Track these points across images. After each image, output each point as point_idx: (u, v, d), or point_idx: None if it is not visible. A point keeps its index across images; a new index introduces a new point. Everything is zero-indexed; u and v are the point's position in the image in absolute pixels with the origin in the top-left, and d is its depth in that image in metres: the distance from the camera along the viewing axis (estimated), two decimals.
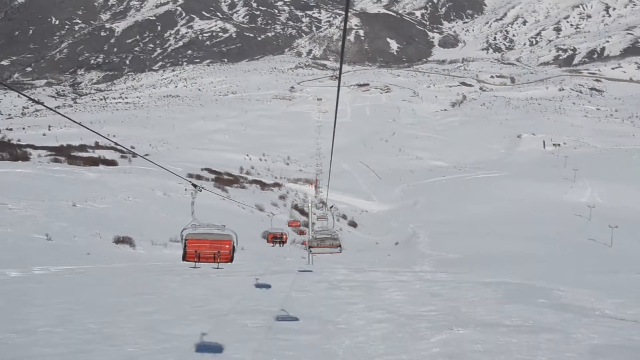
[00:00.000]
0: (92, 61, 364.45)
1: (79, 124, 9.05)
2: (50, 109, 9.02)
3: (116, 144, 12.99)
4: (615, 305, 17.19)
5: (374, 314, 14.18)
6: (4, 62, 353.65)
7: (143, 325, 12.21)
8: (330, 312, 14.37)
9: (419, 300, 16.30)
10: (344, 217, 76.93)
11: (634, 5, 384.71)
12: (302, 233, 50.61)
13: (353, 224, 75.29)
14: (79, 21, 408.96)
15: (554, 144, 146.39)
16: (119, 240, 34.65)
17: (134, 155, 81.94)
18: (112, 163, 74.71)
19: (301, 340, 11.54)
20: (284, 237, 28.33)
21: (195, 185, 10.14)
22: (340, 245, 19.29)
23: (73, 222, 36.22)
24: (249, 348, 10.71)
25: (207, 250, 10.12)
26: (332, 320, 13.46)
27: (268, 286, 17.63)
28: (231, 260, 10.30)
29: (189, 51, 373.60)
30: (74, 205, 41.99)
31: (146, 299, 15.50)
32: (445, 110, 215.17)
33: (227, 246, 10.24)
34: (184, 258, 10.16)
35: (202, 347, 10.81)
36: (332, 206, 28.58)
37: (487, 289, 18.35)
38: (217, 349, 10.80)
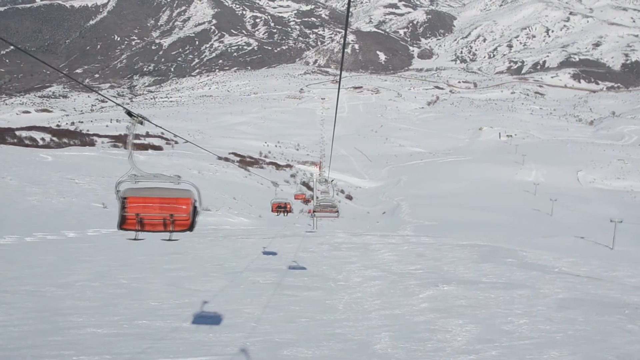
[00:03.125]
0: (145, 69, 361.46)
1: (144, 118, 7.91)
2: (122, 106, 7.09)
3: (166, 130, 11.65)
4: (569, 263, 16.05)
5: (369, 272, 12.91)
6: (79, 70, 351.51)
7: (168, 281, 10.94)
8: (331, 270, 13.10)
9: (407, 259, 15.03)
10: (342, 191, 75.50)
11: (567, 29, 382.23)
12: (307, 202, 49.15)
13: (349, 197, 73.87)
14: (135, 38, 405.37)
15: (507, 135, 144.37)
16: None
17: (176, 142, 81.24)
18: (158, 148, 73.41)
19: (306, 296, 10.26)
20: (288, 206, 23.14)
21: (131, 114, 5.27)
22: (337, 211, 18.11)
23: None
24: (259, 303, 9.42)
25: (155, 213, 5.90)
26: (333, 277, 12.19)
27: (274, 253, 15.67)
28: (191, 227, 5.95)
29: (220, 61, 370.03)
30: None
31: (174, 258, 14.24)
32: (422, 108, 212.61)
33: (185, 207, 5.90)
34: (121, 225, 5.97)
35: (199, 319, 8.09)
36: (332, 180, 26.58)
37: (463, 250, 17.06)
38: (215, 319, 8.07)
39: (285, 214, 21.50)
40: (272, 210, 21.79)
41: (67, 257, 13.83)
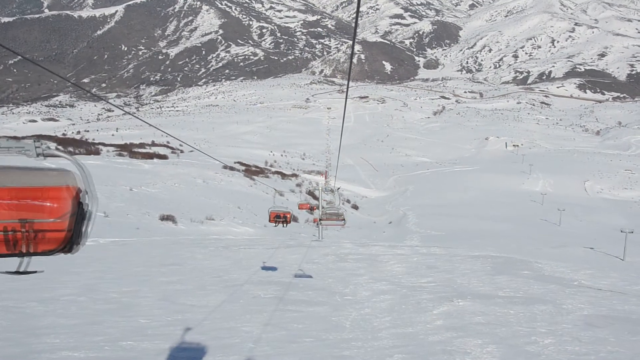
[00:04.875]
0: (152, 78, 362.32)
1: (151, 125, 8.10)
2: (132, 115, 6.31)
3: (175, 138, 10.82)
4: (587, 276, 15.12)
5: (378, 285, 12.05)
6: (86, 80, 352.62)
7: (161, 296, 10.09)
8: (337, 283, 12.25)
9: (417, 272, 14.17)
10: (348, 201, 74.51)
11: (573, 39, 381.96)
12: (313, 209, 48.27)
13: (355, 207, 72.90)
14: (142, 48, 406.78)
15: (513, 145, 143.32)
16: (164, 218, 32.75)
17: (182, 151, 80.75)
18: (163, 157, 72.79)
19: (310, 312, 9.41)
20: (288, 216, 19.36)
21: None
22: (344, 219, 17.21)
23: (128, 203, 34.50)
24: (259, 320, 8.57)
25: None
26: (340, 291, 11.34)
27: (274, 269, 14.41)
28: (70, 244, 2.56)
29: (227, 70, 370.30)
30: (130, 189, 40.20)
31: (171, 269, 13.40)
32: (428, 117, 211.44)
33: (56, 205, 2.53)
34: None
35: (191, 338, 6.94)
36: (338, 188, 25.41)
37: (476, 262, 16.17)
38: (199, 352, 6.83)
39: (285, 224, 18.26)
40: (270, 220, 18.53)
41: (58, 268, 13.03)
